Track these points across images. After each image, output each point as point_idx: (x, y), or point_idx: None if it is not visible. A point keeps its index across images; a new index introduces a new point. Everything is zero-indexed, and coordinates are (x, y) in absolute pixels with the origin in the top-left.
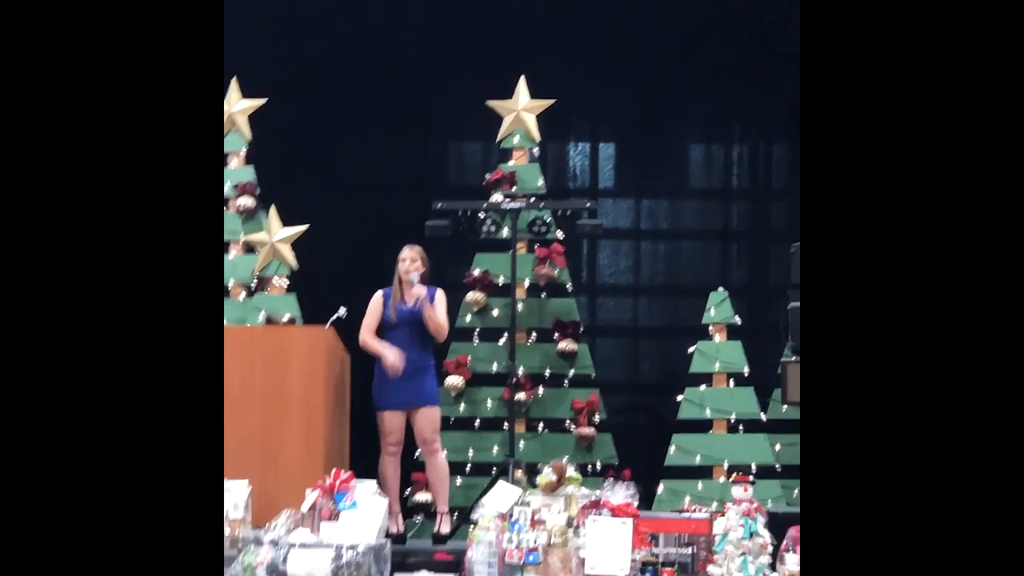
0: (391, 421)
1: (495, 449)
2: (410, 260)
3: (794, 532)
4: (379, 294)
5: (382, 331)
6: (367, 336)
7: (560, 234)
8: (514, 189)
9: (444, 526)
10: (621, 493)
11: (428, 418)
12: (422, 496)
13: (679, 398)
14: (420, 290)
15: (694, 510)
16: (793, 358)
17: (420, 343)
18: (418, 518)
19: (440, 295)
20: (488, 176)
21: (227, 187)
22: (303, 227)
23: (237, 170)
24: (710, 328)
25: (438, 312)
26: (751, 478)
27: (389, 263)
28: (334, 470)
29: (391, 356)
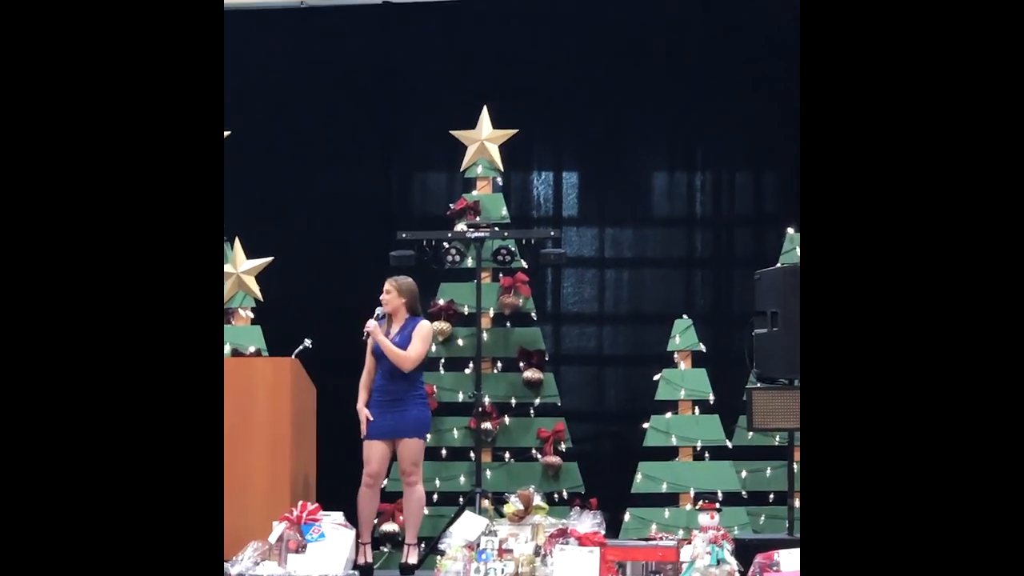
0: (371, 451)
1: (462, 479)
2: (384, 291)
3: (761, 559)
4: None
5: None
6: (363, 377)
7: (524, 263)
8: (478, 218)
9: (412, 556)
10: (588, 521)
11: (408, 449)
12: (389, 526)
13: (645, 425)
14: (370, 323)
15: (661, 538)
16: (758, 384)
17: (399, 375)
18: (385, 548)
19: (419, 327)
20: (452, 206)
21: None
22: (267, 259)
23: None
24: (675, 356)
25: (413, 342)
26: (717, 505)
27: (354, 294)
28: (300, 502)
29: (361, 417)
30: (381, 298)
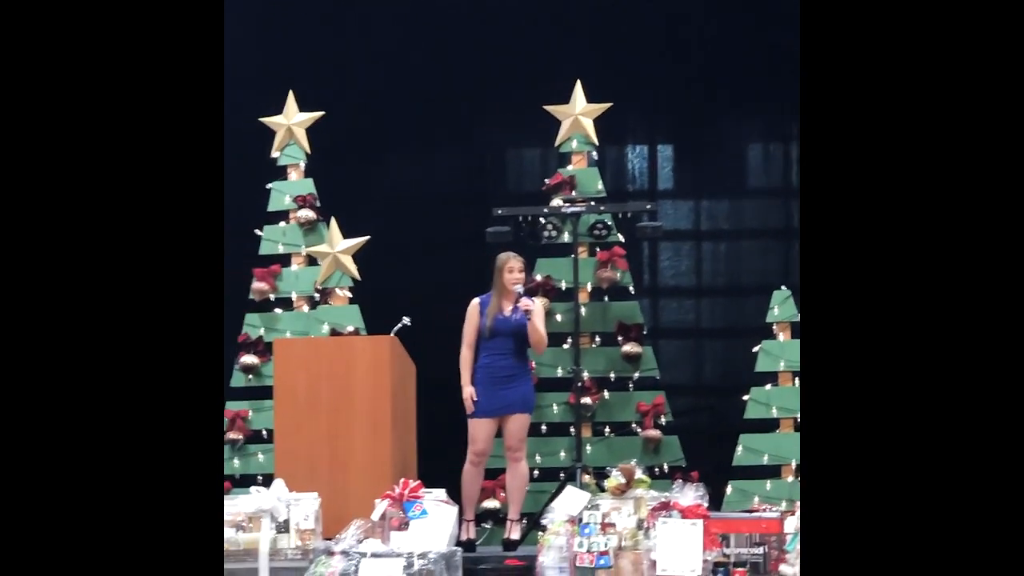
0: (479, 429)
1: (562, 454)
2: (518, 270)
3: None
4: (475, 302)
5: (478, 339)
6: (465, 351)
7: (621, 237)
8: (574, 193)
9: (515, 532)
10: (690, 494)
11: (516, 425)
12: (490, 503)
13: (745, 398)
14: (525, 301)
15: (764, 510)
16: None
17: (517, 351)
18: (487, 525)
19: (540, 306)
20: (547, 181)
21: (287, 200)
22: (364, 238)
23: (297, 182)
24: (774, 327)
25: (540, 325)
26: None
27: (451, 271)
28: (402, 479)
29: (465, 394)
30: (516, 276)
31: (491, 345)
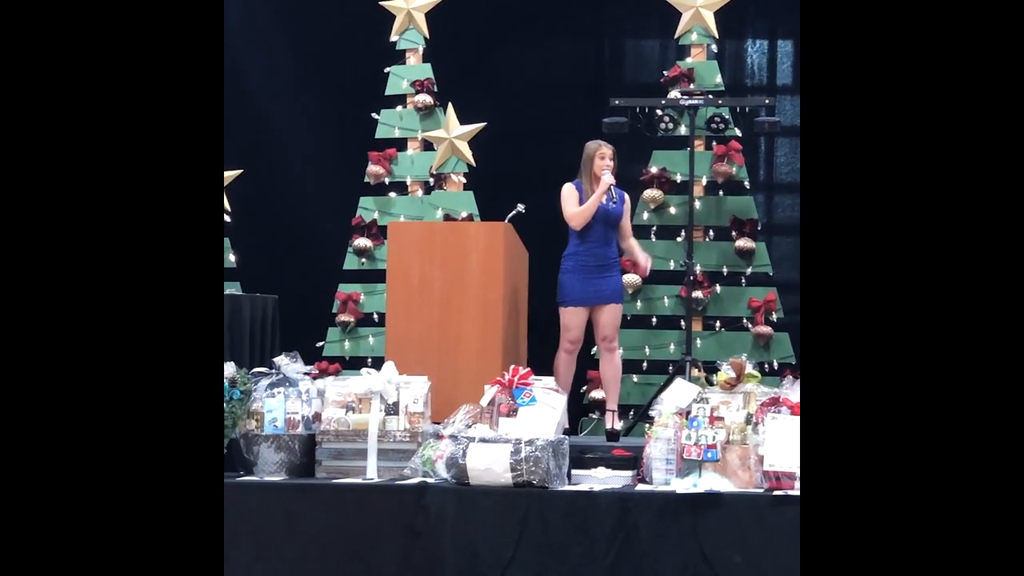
0: (573, 317)
1: (672, 347)
2: (609, 157)
3: None
4: (571, 185)
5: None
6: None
7: (738, 131)
8: (692, 86)
9: (616, 423)
10: (799, 391)
11: (611, 315)
12: (597, 393)
13: None
14: (607, 178)
15: None
16: None
17: (609, 240)
18: (594, 415)
19: (627, 199)
20: (666, 73)
21: (404, 84)
22: (481, 124)
23: (415, 67)
24: None
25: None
26: None
27: (566, 160)
28: (512, 366)
29: (606, 181)
30: (607, 164)
31: (593, 232)
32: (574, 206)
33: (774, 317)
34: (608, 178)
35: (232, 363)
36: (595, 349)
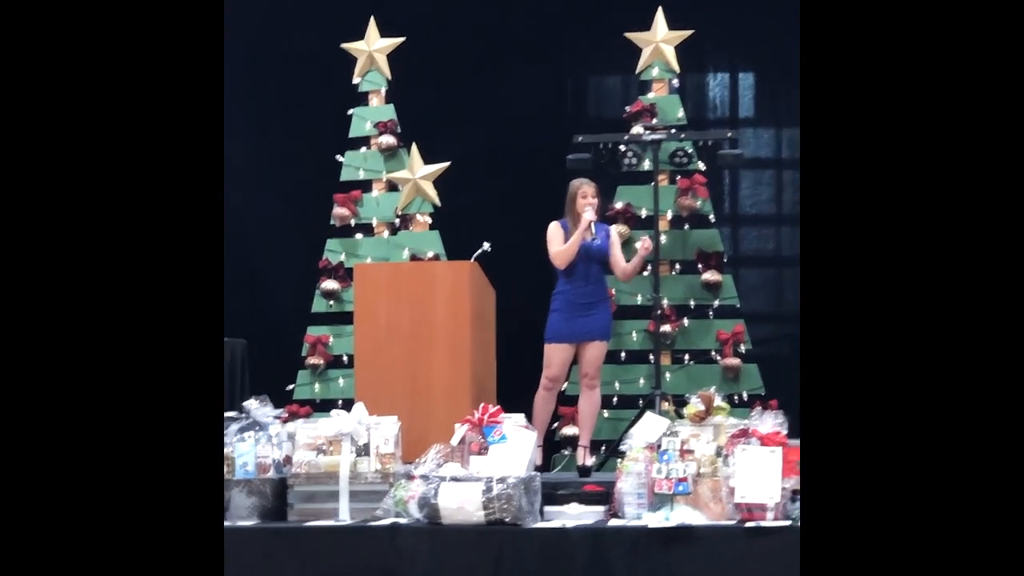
0: (556, 354)
1: (641, 381)
2: (591, 195)
3: None
4: (556, 224)
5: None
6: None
7: (702, 165)
8: (654, 121)
9: (587, 459)
10: (769, 422)
11: (595, 352)
12: (569, 429)
13: None
14: (588, 216)
15: None
16: None
17: (596, 277)
18: (566, 452)
19: (615, 234)
20: (628, 108)
21: (368, 126)
22: (445, 164)
23: (377, 108)
24: None
25: (617, 250)
26: None
27: (531, 197)
28: (482, 404)
29: (586, 219)
30: (590, 202)
31: (576, 270)
32: (558, 245)
33: (742, 349)
34: (589, 215)
35: None
36: (566, 385)
